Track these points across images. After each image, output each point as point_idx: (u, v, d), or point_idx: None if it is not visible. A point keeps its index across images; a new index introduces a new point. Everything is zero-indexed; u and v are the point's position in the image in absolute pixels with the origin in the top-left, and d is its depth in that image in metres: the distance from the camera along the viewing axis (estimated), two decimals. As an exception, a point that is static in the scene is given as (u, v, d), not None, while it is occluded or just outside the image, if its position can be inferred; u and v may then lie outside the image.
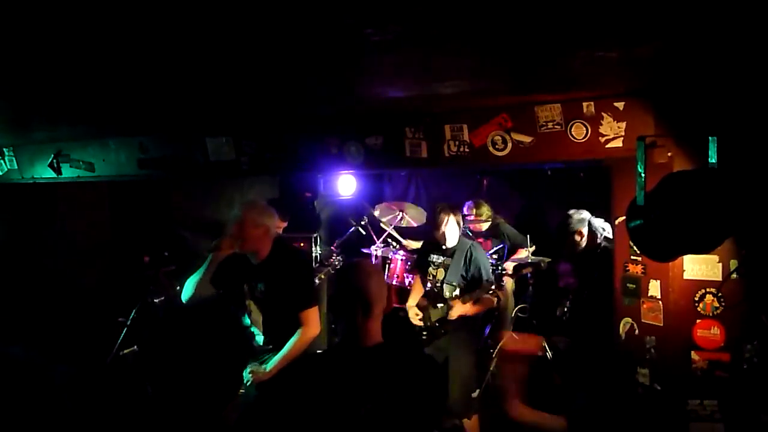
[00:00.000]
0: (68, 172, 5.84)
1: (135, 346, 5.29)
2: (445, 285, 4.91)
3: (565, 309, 5.04)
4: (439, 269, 4.98)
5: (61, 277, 6.38)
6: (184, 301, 3.96)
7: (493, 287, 4.75)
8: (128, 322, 5.29)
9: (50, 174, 5.91)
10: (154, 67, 2.90)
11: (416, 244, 7.06)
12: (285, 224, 5.85)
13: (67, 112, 4.17)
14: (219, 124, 4.87)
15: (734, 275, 3.35)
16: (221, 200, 7.11)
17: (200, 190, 7.21)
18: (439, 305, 4.89)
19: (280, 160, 4.83)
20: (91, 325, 5.77)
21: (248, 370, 3.79)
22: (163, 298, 5.78)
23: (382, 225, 7.00)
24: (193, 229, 6.99)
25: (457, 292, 4.81)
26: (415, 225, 7.10)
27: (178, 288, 5.98)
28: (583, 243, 4.73)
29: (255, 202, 4.11)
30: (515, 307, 6.47)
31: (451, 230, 4.87)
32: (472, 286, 4.81)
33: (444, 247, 4.96)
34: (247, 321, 3.99)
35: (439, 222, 4.89)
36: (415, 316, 5.03)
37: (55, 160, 5.82)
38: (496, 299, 4.89)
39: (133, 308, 5.37)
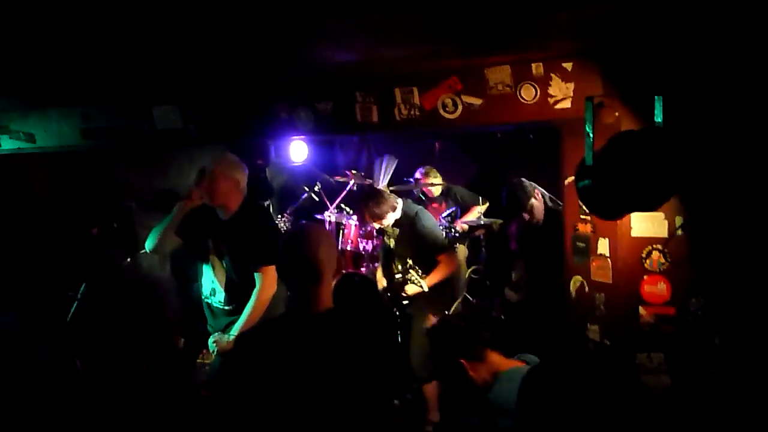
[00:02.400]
0: (7, 144, 5.63)
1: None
2: (396, 255, 4.92)
3: (521, 275, 5.11)
4: (391, 239, 4.98)
5: (5, 251, 6.20)
6: (147, 250, 3.90)
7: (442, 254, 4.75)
8: (78, 297, 5.19)
9: (-12, 146, 5.70)
10: (94, 32, 2.80)
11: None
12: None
13: (5, 82, 4.02)
14: (165, 92, 4.75)
15: (680, 232, 3.44)
16: (171, 170, 6.96)
17: (149, 160, 7.05)
18: (396, 275, 4.89)
19: (230, 128, 4.74)
20: (40, 298, 5.64)
21: (212, 339, 3.76)
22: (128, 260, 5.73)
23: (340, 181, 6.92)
24: (142, 200, 6.86)
25: (410, 262, 4.81)
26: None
27: (128, 260, 5.90)
28: (542, 206, 4.78)
29: (227, 156, 4.01)
30: (468, 270, 6.56)
31: (386, 220, 4.84)
32: (422, 254, 4.79)
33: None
34: (209, 279, 3.92)
35: (365, 219, 4.93)
36: (381, 279, 5.07)
37: (-7, 132, 5.61)
38: (450, 268, 4.84)
39: (83, 282, 5.27)
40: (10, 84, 4.14)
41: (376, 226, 4.93)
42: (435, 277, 4.69)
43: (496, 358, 2.96)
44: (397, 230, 4.90)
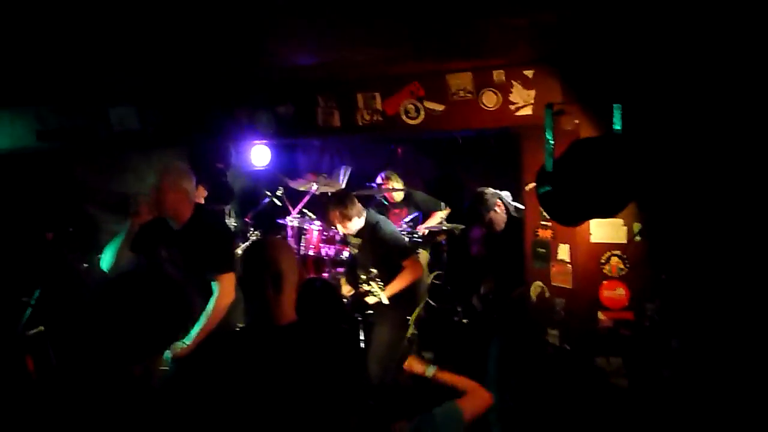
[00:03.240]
0: (-41, 146, 5.49)
1: (41, 327, 5.06)
2: (359, 265, 4.90)
3: (490, 288, 5.11)
4: (354, 248, 4.96)
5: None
6: (105, 270, 3.81)
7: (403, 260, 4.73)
8: (32, 302, 5.05)
9: (-62, 148, 5.53)
10: (49, 30, 2.73)
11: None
12: (206, 194, 5.69)
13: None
14: (122, 93, 4.66)
15: (638, 237, 3.48)
16: (128, 172, 6.83)
17: (106, 162, 6.91)
18: (360, 284, 4.86)
19: (189, 130, 4.67)
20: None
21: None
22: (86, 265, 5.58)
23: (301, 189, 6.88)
24: (99, 204, 6.71)
25: (374, 271, 4.78)
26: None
27: (85, 265, 5.76)
28: (503, 216, 4.77)
29: (173, 166, 3.95)
30: (431, 275, 6.56)
31: (352, 224, 4.82)
32: (386, 261, 4.77)
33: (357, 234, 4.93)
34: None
35: (332, 224, 4.91)
36: (344, 285, 5.04)
37: (-58, 133, 5.44)
38: (415, 273, 4.82)
39: (37, 288, 5.13)
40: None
41: (341, 230, 4.89)
42: (397, 285, 4.66)
43: None
44: (359, 240, 4.87)
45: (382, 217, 5.03)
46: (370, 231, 4.80)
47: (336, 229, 4.97)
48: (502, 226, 4.74)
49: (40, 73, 3.80)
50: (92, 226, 6.52)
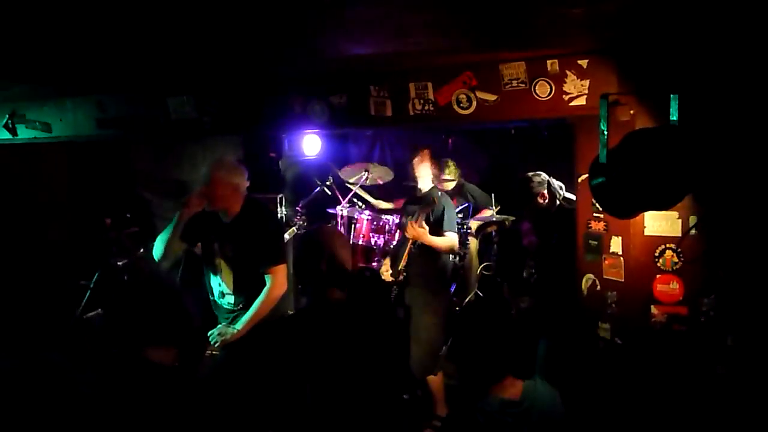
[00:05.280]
0: (24, 133, 5.69)
1: (99, 309, 5.23)
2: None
3: (532, 271, 5.08)
4: (421, 218, 5.00)
5: (21, 240, 6.26)
6: (155, 259, 3.91)
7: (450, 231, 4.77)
8: (91, 285, 5.22)
9: (5, 135, 5.75)
10: (110, 22, 2.81)
11: (387, 205, 7.05)
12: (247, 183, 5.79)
13: (21, 70, 4.04)
14: (181, 83, 4.77)
15: (693, 231, 3.42)
16: (184, 160, 6.99)
17: (162, 150, 7.08)
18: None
19: (244, 120, 4.76)
20: (52, 288, 5.68)
21: (216, 332, 3.76)
22: (126, 260, 5.71)
23: (348, 185, 6.97)
24: (155, 191, 6.89)
25: None
26: (381, 183, 7.09)
27: (141, 250, 5.91)
28: (546, 205, 4.76)
29: (224, 160, 4.04)
30: (480, 266, 6.55)
31: (424, 171, 4.92)
32: (432, 226, 4.82)
33: (418, 195, 4.99)
34: (216, 281, 3.94)
35: (413, 159, 4.98)
36: (385, 272, 5.06)
37: (9, 121, 5.66)
38: (456, 242, 4.86)
39: (96, 271, 5.29)
40: (27, 71, 4.16)
41: (415, 169, 4.99)
42: (435, 241, 4.73)
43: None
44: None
45: (443, 193, 5.14)
46: (432, 197, 4.90)
47: (416, 167, 5.02)
48: (540, 211, 4.73)
49: (101, 63, 3.91)
50: (148, 212, 6.70)
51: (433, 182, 5.00)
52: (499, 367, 2.68)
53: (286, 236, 6.05)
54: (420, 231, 4.72)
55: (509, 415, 2.61)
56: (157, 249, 3.86)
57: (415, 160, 4.95)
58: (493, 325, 2.81)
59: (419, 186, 5.01)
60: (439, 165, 5.09)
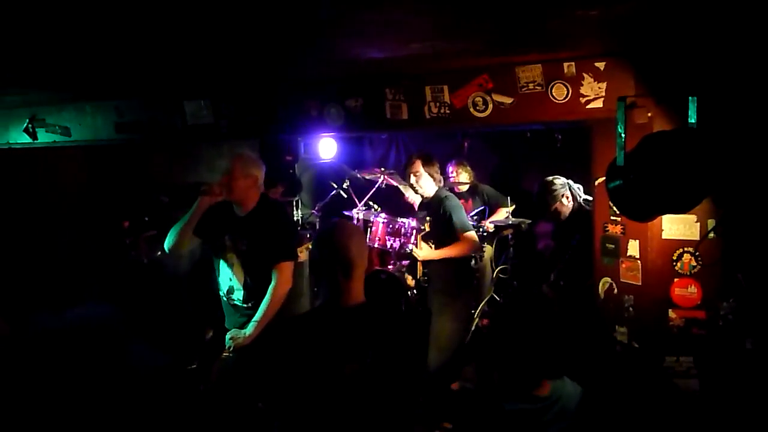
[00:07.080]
0: (44, 137, 5.75)
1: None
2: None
3: (559, 275, 5.06)
4: (427, 224, 5.02)
5: (39, 243, 6.32)
6: (166, 249, 3.94)
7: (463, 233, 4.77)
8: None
9: (26, 139, 5.82)
10: (129, 28, 2.84)
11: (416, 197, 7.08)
12: (281, 190, 5.83)
13: (41, 75, 4.09)
14: (197, 87, 4.81)
15: (711, 234, 3.39)
16: (201, 164, 7.04)
17: (179, 155, 7.13)
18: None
19: (260, 123, 4.78)
20: (69, 290, 5.73)
21: (229, 336, 3.78)
22: (145, 261, 5.77)
23: (381, 175, 6.93)
24: (172, 194, 6.93)
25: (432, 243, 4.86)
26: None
27: (159, 253, 5.96)
28: (569, 207, 4.73)
29: (245, 153, 4.07)
30: (496, 269, 6.52)
31: (424, 179, 4.96)
32: (443, 232, 4.82)
33: (425, 201, 5.01)
34: (227, 276, 3.95)
35: (406, 170, 5.07)
36: (419, 251, 5.11)
37: (30, 125, 5.73)
38: (473, 238, 4.85)
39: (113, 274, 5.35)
40: (46, 77, 4.21)
41: (412, 181, 5.06)
42: (447, 252, 4.73)
43: None
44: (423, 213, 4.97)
45: (451, 194, 5.14)
46: (437, 202, 4.91)
47: (411, 178, 5.05)
48: (567, 215, 4.70)
49: (120, 69, 3.95)
50: (166, 215, 6.74)
51: (437, 185, 4.99)
52: (542, 369, 2.69)
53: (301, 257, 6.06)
54: (426, 253, 4.73)
55: (537, 411, 2.62)
56: (170, 238, 3.89)
57: (409, 170, 5.02)
58: (542, 329, 2.76)
59: (421, 194, 5.05)
60: (434, 165, 5.08)
